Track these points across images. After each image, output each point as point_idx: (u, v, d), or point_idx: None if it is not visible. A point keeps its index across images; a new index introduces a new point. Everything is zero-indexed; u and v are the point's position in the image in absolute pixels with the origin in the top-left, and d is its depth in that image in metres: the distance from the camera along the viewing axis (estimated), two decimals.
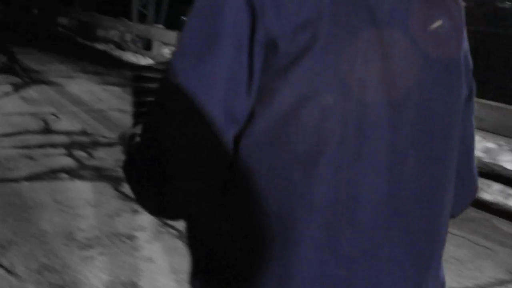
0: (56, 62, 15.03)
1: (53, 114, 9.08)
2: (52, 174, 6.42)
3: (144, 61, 14.98)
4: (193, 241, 1.30)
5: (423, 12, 1.22)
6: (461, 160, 1.34)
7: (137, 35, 17.06)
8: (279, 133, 1.10)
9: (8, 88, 11.05)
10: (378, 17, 1.15)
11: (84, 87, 11.58)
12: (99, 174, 6.48)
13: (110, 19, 19.23)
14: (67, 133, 8.03)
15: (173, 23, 18.56)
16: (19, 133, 7.94)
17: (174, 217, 1.31)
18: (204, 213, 1.21)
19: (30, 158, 6.91)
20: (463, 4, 1.32)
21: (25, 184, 6.10)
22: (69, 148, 7.37)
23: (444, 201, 1.29)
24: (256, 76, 1.09)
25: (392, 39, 1.16)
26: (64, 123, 8.58)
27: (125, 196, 5.81)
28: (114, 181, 6.23)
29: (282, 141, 1.10)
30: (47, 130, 8.20)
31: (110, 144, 7.53)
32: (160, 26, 16.09)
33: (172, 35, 14.78)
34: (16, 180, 6.17)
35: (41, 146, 7.40)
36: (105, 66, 14.79)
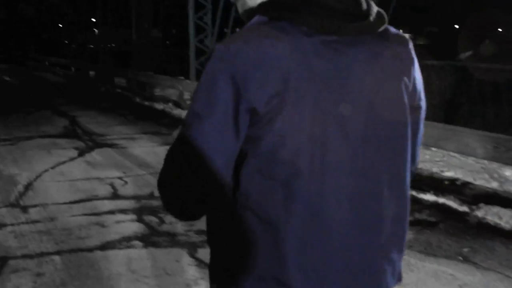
0: (117, 124, 15.10)
1: (120, 178, 9.03)
2: (125, 241, 6.31)
3: None
4: (212, 242, 1.82)
5: (373, 68, 1.66)
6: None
7: None
8: (265, 166, 1.60)
9: (73, 152, 11.09)
10: (333, 83, 1.61)
11: (147, 148, 11.55)
12: (173, 240, 6.34)
13: (168, 78, 19.34)
14: (135, 198, 7.94)
15: None
16: (88, 199, 7.88)
17: (190, 219, 1.81)
18: (217, 221, 1.76)
19: (101, 225, 6.82)
20: (413, 53, 1.78)
21: (99, 253, 5.99)
22: (139, 213, 7.27)
23: (397, 195, 1.84)
24: (242, 129, 1.59)
25: (343, 94, 1.62)
26: (132, 187, 8.50)
27: (201, 263, 5.66)
28: (189, 247, 6.09)
29: (267, 172, 1.61)
30: (115, 195, 8.12)
31: None
32: None
33: None
34: (89, 249, 6.08)
35: (111, 212, 7.32)
36: (165, 125, 14.80)
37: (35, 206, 7.61)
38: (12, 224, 6.91)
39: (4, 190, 8.44)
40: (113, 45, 34.02)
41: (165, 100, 18.80)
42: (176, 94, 18.85)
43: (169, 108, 17.59)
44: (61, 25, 49.37)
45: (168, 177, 1.74)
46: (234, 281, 1.70)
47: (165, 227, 6.74)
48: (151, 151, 11.20)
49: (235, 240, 1.68)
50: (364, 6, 1.67)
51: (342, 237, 1.67)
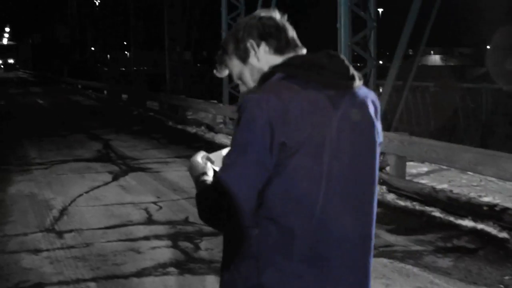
0: (150, 148, 15.13)
1: (154, 203, 9.01)
2: (160, 268, 6.28)
3: None
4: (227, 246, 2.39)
5: (358, 114, 2.31)
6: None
7: (229, 117, 17.08)
8: (285, 188, 2.15)
9: (107, 177, 11.13)
10: (333, 125, 2.23)
11: (180, 172, 11.52)
12: (209, 267, 6.29)
13: (201, 102, 19.37)
14: (170, 223, 7.91)
15: None
16: (123, 224, 7.87)
17: (219, 230, 2.41)
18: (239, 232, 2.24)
19: (137, 251, 6.80)
20: (378, 103, 2.44)
21: (135, 280, 5.98)
22: (174, 239, 7.23)
23: (372, 204, 2.37)
24: (274, 157, 2.13)
25: (339, 140, 2.23)
26: (166, 213, 8.47)
27: None
28: None
29: (287, 192, 2.15)
30: (150, 220, 8.10)
31: (215, 234, 7.35)
32: None
33: None
34: (125, 276, 6.06)
35: (146, 238, 7.29)
36: (198, 149, 14.66)
37: (70, 231, 7.62)
38: (48, 250, 6.92)
39: (40, 215, 8.48)
40: (145, 68, 34.18)
41: (198, 123, 18.79)
42: (208, 117, 18.88)
43: (202, 131, 17.58)
44: (93, 48, 49.81)
45: (212, 195, 2.23)
46: (257, 274, 2.22)
47: (201, 254, 6.70)
48: (185, 176, 11.15)
49: (256, 243, 2.22)
50: (351, 70, 2.35)
51: (340, 241, 2.26)
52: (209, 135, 16.86)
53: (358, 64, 13.36)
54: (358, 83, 2.36)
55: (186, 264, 6.38)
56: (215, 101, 18.62)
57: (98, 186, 10.25)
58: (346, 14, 12.00)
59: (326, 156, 2.22)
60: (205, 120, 19.14)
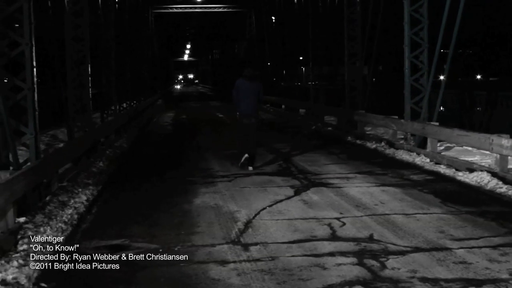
0: (329, 162, 15.13)
1: (337, 219, 8.97)
2: (347, 286, 6.23)
3: (419, 159, 14.58)
4: None
5: (252, 82, 14.67)
6: (257, 100, 14.73)
7: (410, 133, 16.70)
8: (237, 96, 14.74)
9: (289, 191, 11.24)
10: (247, 85, 14.63)
11: (362, 188, 11.41)
12: (396, 287, 6.12)
13: (381, 117, 19.05)
14: (355, 240, 7.82)
15: (446, 120, 17.89)
16: (307, 239, 7.88)
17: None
18: None
19: (322, 267, 6.78)
20: (259, 85, 14.74)
21: None
22: (359, 256, 7.13)
23: (255, 99, 14.65)
24: (236, 91, 14.82)
25: (248, 87, 14.57)
26: (350, 229, 8.39)
27: None
28: None
29: (237, 97, 14.75)
30: (334, 236, 8.05)
31: (401, 253, 7.20)
32: (435, 123, 15.60)
33: (448, 133, 14.29)
34: None
35: (331, 254, 7.26)
36: (378, 165, 14.54)
37: (255, 244, 7.73)
38: (235, 262, 7.05)
39: (225, 227, 8.67)
40: (324, 83, 34.23)
41: (377, 139, 18.51)
42: (388, 133, 18.57)
43: (382, 147, 17.28)
44: (269, 64, 50.61)
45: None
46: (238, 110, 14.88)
47: (387, 273, 6.55)
48: (367, 192, 11.04)
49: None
50: (254, 73, 14.70)
51: (245, 101, 14.46)
52: (390, 151, 16.54)
53: None
54: (255, 77, 14.49)
55: (373, 283, 6.26)
56: (396, 117, 18.26)
57: (281, 200, 10.35)
58: None
59: (241, 92, 14.38)
60: (384, 136, 18.82)
